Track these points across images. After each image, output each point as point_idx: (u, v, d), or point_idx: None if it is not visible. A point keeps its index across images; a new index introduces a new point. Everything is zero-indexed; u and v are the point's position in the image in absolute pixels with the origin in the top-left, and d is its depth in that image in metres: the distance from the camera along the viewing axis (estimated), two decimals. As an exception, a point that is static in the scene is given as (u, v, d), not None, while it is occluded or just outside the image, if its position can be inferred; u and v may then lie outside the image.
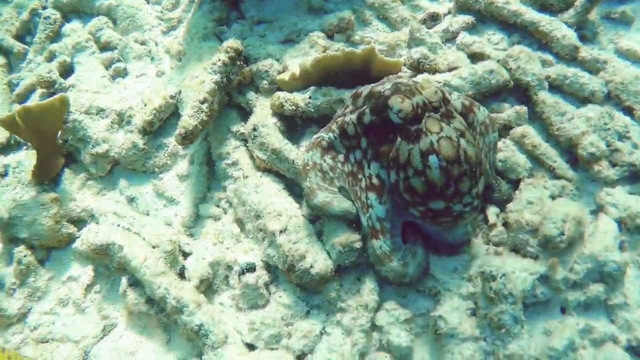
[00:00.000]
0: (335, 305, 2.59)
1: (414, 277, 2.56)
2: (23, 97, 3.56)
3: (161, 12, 3.72)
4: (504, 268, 2.44)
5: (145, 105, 3.20)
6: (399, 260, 2.46)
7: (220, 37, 3.35)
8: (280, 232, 2.63)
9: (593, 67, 3.05)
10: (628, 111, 2.94)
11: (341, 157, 2.56)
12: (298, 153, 2.81)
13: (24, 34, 3.88)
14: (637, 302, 2.54)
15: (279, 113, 2.96)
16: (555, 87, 3.01)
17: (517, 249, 2.64)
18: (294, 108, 2.91)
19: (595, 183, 2.81)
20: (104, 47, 3.65)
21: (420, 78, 2.92)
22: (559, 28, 3.07)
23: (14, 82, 3.63)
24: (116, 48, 3.63)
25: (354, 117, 2.48)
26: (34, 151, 3.05)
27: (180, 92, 3.12)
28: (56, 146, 3.11)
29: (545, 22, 3.09)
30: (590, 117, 2.88)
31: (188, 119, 2.80)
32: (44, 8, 3.83)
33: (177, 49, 3.41)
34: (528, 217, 2.62)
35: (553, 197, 2.75)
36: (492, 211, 2.73)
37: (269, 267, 2.73)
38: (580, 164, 2.80)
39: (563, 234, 2.52)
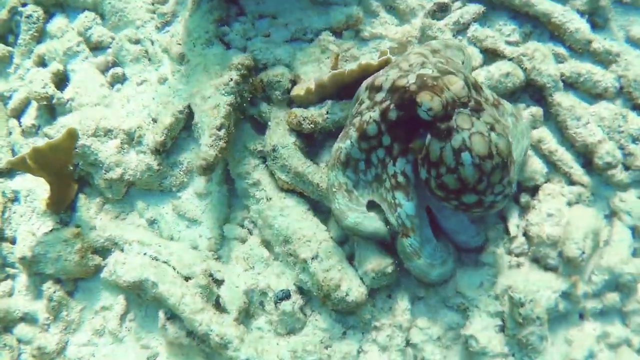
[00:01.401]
0: (370, 325, 2.77)
1: (436, 282, 2.74)
2: (19, 112, 3.44)
3: (152, 4, 3.51)
4: (531, 291, 2.63)
5: (154, 122, 3.15)
6: (427, 259, 2.60)
7: (223, 40, 3.23)
8: (312, 259, 2.75)
9: (605, 59, 3.08)
10: (639, 108, 3.03)
11: (362, 165, 2.61)
12: (321, 175, 2.85)
13: (6, 33, 3.66)
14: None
15: (297, 130, 2.95)
16: (569, 84, 3.05)
17: (537, 260, 2.82)
18: (313, 126, 2.91)
19: (608, 186, 2.94)
20: (96, 47, 3.48)
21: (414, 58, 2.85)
22: (572, 20, 3.06)
23: (6, 95, 3.48)
24: (109, 47, 3.47)
25: (375, 114, 2.48)
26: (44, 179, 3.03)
27: (189, 105, 3.07)
28: (68, 175, 3.07)
29: (558, 12, 3.07)
30: (604, 118, 2.96)
31: (208, 150, 2.79)
32: (24, 5, 3.58)
33: (177, 51, 3.29)
34: (549, 231, 2.77)
35: (570, 204, 2.89)
36: (512, 222, 2.87)
37: (302, 290, 2.86)
38: (595, 169, 2.91)
39: (584, 253, 2.69)
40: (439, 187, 2.38)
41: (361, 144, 2.55)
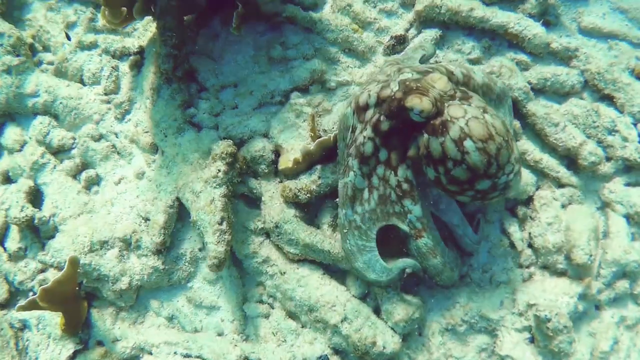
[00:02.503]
0: (409, 365, 2.96)
1: (446, 283, 2.92)
2: (0, 239, 3.36)
3: (104, 94, 3.44)
4: (551, 302, 2.84)
5: (145, 221, 3.15)
6: (442, 257, 2.74)
7: (192, 122, 3.21)
8: (342, 322, 2.88)
9: (565, 57, 3.23)
10: (608, 99, 3.19)
11: (366, 195, 2.66)
12: (330, 241, 2.93)
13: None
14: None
15: (294, 202, 3.01)
16: (538, 90, 3.18)
17: (547, 267, 3.01)
18: (309, 195, 2.97)
19: (594, 179, 3.13)
20: (58, 151, 3.41)
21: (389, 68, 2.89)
22: (528, 26, 3.17)
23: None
24: (72, 148, 3.40)
25: (367, 132, 2.54)
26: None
27: (177, 199, 3.08)
28: (76, 296, 3.07)
29: (513, 22, 3.17)
30: (577, 115, 3.12)
31: (216, 247, 2.83)
32: (-28, 125, 3.46)
33: (147, 141, 3.27)
34: (552, 239, 2.96)
35: (564, 206, 3.07)
36: (516, 237, 3.04)
37: (338, 350, 2.98)
38: (581, 169, 3.09)
39: (592, 256, 2.89)
40: (451, 182, 2.43)
41: (362, 168, 2.61)
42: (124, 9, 3.09)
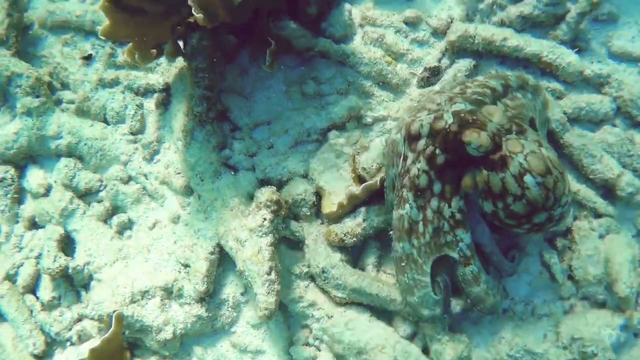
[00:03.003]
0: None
1: (490, 312, 2.94)
2: (32, 287, 3.28)
3: (130, 132, 3.37)
4: (595, 335, 2.91)
5: (185, 267, 3.13)
6: (484, 284, 2.76)
7: (228, 164, 3.17)
8: (393, 363, 2.93)
9: (597, 83, 3.25)
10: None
11: (421, 228, 2.64)
12: (378, 285, 2.96)
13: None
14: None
15: (340, 246, 3.02)
16: (573, 119, 3.21)
17: (587, 298, 3.08)
18: (355, 239, 2.98)
19: (629, 206, 3.19)
20: (85, 194, 3.34)
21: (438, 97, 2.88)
22: (562, 54, 3.17)
23: (11, 273, 3.31)
24: (99, 191, 3.34)
25: (422, 164, 2.53)
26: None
27: (218, 245, 3.07)
28: (121, 349, 3.05)
29: (547, 50, 3.17)
30: (612, 144, 3.16)
31: (266, 299, 2.83)
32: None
33: (181, 184, 3.23)
34: (593, 272, 3.02)
35: (601, 236, 3.13)
36: (557, 270, 3.09)
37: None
38: (619, 200, 3.14)
39: (633, 288, 2.97)
40: (509, 217, 2.47)
41: (417, 201, 2.60)
42: (154, 51, 3.01)
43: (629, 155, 3.15)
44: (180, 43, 3.06)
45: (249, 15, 2.87)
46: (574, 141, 3.12)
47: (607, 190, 3.16)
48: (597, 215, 3.15)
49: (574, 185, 3.14)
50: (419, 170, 2.54)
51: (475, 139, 2.33)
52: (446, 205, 2.57)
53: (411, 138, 2.56)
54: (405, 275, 2.76)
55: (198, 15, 2.52)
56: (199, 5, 2.53)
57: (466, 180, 2.50)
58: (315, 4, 3.19)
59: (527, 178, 2.34)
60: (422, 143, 2.53)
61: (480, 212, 2.65)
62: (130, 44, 2.92)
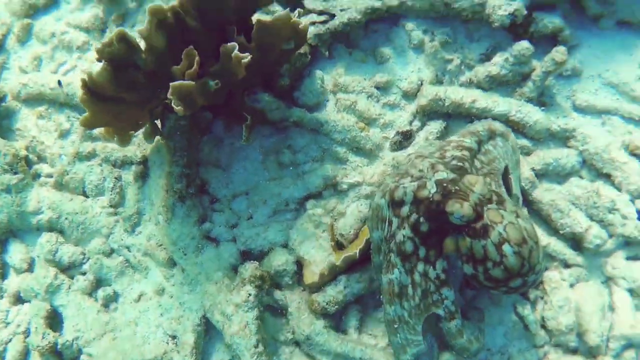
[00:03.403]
0: None
1: (472, 356, 3.11)
2: (22, 366, 3.41)
3: (110, 205, 3.47)
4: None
5: (172, 338, 3.27)
6: (468, 335, 2.95)
7: (209, 237, 3.31)
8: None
9: (563, 137, 3.43)
10: (606, 177, 3.42)
11: (410, 291, 2.81)
12: (361, 348, 3.12)
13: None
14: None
15: (323, 314, 3.18)
16: (541, 175, 3.39)
17: (559, 345, 3.29)
18: (337, 306, 3.14)
19: (597, 255, 3.39)
20: (69, 267, 3.45)
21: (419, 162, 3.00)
22: (528, 113, 3.33)
23: (-1, 350, 3.42)
24: (82, 263, 3.45)
25: (407, 231, 2.70)
26: None
27: (204, 316, 3.21)
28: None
29: (514, 110, 3.33)
30: (579, 197, 3.35)
31: (256, 372, 3.00)
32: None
33: (164, 256, 3.35)
34: (565, 322, 3.22)
35: (572, 285, 3.34)
36: (530, 320, 3.29)
37: None
38: (586, 251, 3.35)
39: (604, 335, 3.19)
40: (488, 280, 2.64)
41: (405, 265, 2.75)
42: (132, 132, 3.12)
43: (596, 207, 3.33)
44: (158, 121, 3.18)
45: (225, 96, 2.98)
46: (543, 197, 3.29)
47: (576, 241, 3.36)
48: (567, 265, 3.34)
49: (544, 238, 3.33)
50: (404, 236, 2.69)
51: (458, 209, 2.47)
52: (431, 267, 2.73)
53: (395, 204, 2.71)
54: (398, 335, 2.90)
55: (178, 107, 2.62)
56: (178, 97, 2.63)
57: (448, 244, 2.65)
58: (287, 75, 3.31)
59: (506, 247, 2.49)
60: (405, 210, 2.68)
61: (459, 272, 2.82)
62: (86, 114, 2.98)
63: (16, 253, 3.48)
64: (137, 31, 2.65)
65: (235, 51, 2.60)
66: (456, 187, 2.55)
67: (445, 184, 2.58)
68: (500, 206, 2.58)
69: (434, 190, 2.58)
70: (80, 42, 3.79)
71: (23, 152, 3.52)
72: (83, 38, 3.80)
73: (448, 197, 2.53)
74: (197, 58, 2.62)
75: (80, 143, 3.58)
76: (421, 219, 2.62)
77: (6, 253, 3.52)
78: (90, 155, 3.56)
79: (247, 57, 2.62)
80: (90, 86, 2.71)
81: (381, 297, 2.96)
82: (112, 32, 3.07)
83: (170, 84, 2.56)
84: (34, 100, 3.70)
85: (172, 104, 2.62)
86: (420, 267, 2.74)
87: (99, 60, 2.70)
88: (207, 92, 2.74)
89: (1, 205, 3.42)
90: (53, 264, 3.42)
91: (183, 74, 2.63)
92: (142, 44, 2.74)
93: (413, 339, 2.88)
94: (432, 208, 2.57)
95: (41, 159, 3.62)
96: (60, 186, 3.53)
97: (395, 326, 2.89)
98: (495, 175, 2.86)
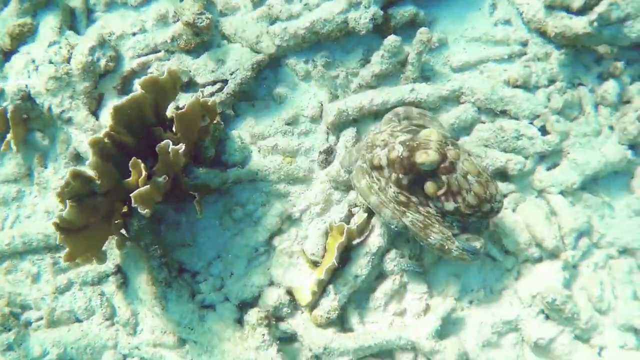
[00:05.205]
0: None
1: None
2: None
3: (105, 319, 4.05)
4: (552, 287, 3.82)
5: None
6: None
7: (205, 305, 3.94)
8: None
9: (454, 97, 4.20)
10: (503, 113, 4.21)
11: (429, 221, 3.51)
12: (372, 336, 3.75)
13: None
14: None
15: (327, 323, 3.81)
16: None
17: (527, 260, 4.04)
18: (337, 312, 3.77)
19: (523, 176, 4.17)
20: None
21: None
22: (419, 91, 4.06)
23: None
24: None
25: (394, 189, 3.43)
26: None
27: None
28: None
29: (407, 94, 4.07)
30: (488, 138, 4.13)
31: None
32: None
33: (173, 339, 3.90)
34: (522, 240, 3.96)
35: (514, 210, 4.10)
36: (494, 252, 4.03)
37: None
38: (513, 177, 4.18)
39: (556, 237, 4.01)
40: (467, 207, 3.33)
41: (411, 209, 3.48)
42: (104, 248, 3.75)
43: (505, 140, 4.05)
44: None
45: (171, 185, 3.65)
46: (460, 151, 4.10)
47: (502, 174, 4.11)
48: (504, 195, 4.02)
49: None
50: (395, 192, 3.42)
51: (425, 158, 3.18)
52: (429, 207, 3.44)
53: (376, 168, 3.44)
54: (452, 250, 3.55)
55: (145, 211, 3.21)
56: (142, 203, 3.21)
57: (429, 187, 3.33)
58: (211, 145, 3.99)
59: (469, 177, 3.25)
60: (386, 172, 3.40)
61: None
62: (68, 250, 3.50)
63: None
64: (87, 165, 3.23)
65: (171, 146, 3.27)
66: (417, 142, 3.27)
67: (408, 143, 3.28)
68: (454, 147, 3.32)
69: (401, 149, 3.29)
70: (14, 193, 4.35)
71: (7, 310, 4.00)
72: (15, 189, 4.38)
73: (414, 151, 3.24)
74: (142, 165, 3.28)
75: (54, 278, 4.13)
76: (400, 176, 3.34)
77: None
78: (69, 285, 4.10)
79: (181, 147, 3.25)
80: (63, 226, 3.29)
81: (417, 239, 3.62)
82: (40, 174, 3.89)
83: (131, 195, 3.14)
84: (-5, 260, 4.21)
85: (139, 210, 3.21)
86: (421, 208, 3.46)
87: (61, 202, 3.32)
88: (159, 188, 3.36)
89: (9, 363, 3.94)
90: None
91: (136, 182, 3.28)
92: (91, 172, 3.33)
93: (457, 242, 3.53)
94: (405, 164, 3.28)
95: (24, 307, 4.10)
96: (53, 323, 4.02)
97: (444, 244, 3.53)
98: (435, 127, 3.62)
